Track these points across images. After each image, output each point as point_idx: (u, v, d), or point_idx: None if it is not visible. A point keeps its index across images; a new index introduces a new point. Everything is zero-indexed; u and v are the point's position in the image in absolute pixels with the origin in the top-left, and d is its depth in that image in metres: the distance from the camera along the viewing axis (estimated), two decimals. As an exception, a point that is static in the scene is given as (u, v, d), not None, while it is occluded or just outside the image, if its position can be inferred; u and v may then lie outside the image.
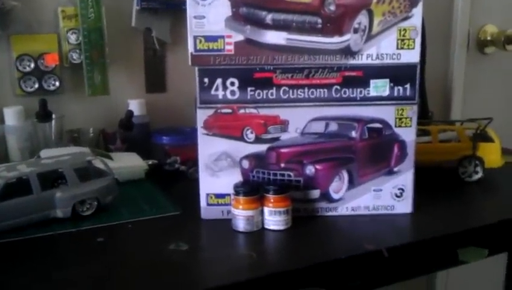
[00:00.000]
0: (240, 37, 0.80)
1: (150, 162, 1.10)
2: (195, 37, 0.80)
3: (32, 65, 1.13)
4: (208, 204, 0.86)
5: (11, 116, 1.08)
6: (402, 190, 0.87)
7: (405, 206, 0.88)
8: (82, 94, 1.17)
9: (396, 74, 0.83)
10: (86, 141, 1.15)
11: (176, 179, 1.08)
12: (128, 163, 1.06)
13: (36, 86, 1.14)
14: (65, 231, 0.82)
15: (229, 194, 0.85)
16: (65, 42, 1.15)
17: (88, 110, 1.20)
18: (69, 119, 1.15)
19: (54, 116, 1.10)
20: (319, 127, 0.84)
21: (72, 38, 1.15)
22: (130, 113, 1.16)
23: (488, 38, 1.67)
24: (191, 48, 0.80)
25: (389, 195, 0.87)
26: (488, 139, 1.07)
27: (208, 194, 0.86)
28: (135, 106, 1.20)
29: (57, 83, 1.15)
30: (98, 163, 0.93)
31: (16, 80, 1.13)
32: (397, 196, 0.88)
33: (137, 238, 0.81)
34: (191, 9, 0.79)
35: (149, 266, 0.71)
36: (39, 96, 1.10)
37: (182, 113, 1.26)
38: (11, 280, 0.67)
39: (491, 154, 1.05)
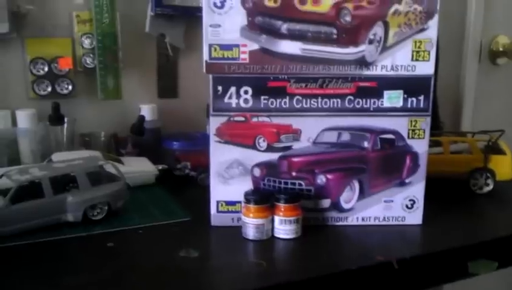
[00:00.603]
0: (255, 46, 0.81)
1: (160, 167, 1.10)
2: (210, 45, 0.80)
3: (46, 68, 1.14)
4: (218, 211, 0.86)
5: (24, 119, 1.09)
6: (413, 201, 0.87)
7: (416, 217, 0.88)
8: (94, 98, 1.17)
9: (411, 85, 0.83)
10: (98, 145, 1.16)
11: (186, 184, 1.08)
12: (139, 168, 1.07)
13: (49, 89, 1.15)
14: (76, 235, 0.82)
15: (239, 202, 0.85)
16: (79, 46, 1.16)
17: (100, 114, 1.20)
18: (81, 123, 1.16)
19: (66, 119, 1.11)
20: (332, 136, 0.84)
21: (86, 42, 1.15)
22: (142, 118, 1.16)
23: (501, 49, 1.67)
24: (205, 56, 0.81)
25: (399, 206, 0.87)
26: (499, 151, 1.07)
27: (218, 201, 0.86)
28: (147, 111, 1.21)
29: (70, 87, 1.16)
30: (109, 167, 0.93)
31: (29, 83, 1.14)
32: (408, 207, 0.87)
33: (148, 243, 0.81)
34: (207, 18, 0.80)
35: (159, 273, 0.71)
36: (52, 100, 1.11)
37: (193, 119, 1.26)
38: (20, 284, 0.68)
39: (503, 167, 1.05)
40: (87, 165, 0.89)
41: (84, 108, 1.19)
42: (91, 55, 1.16)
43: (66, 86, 1.16)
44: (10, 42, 1.11)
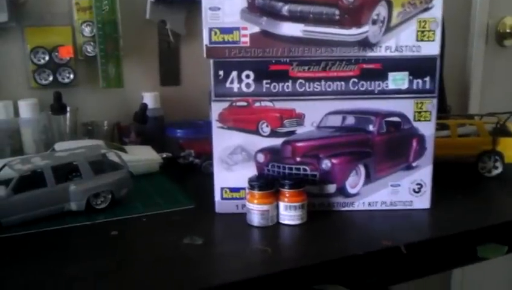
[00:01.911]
0: (255, 29, 0.79)
1: (164, 155, 1.09)
2: (210, 29, 0.79)
3: (47, 58, 1.13)
4: (223, 198, 0.85)
5: (26, 109, 1.08)
6: (420, 185, 0.86)
7: (423, 201, 0.86)
8: (96, 87, 1.16)
9: (416, 66, 0.81)
10: (101, 133, 1.15)
11: (190, 172, 1.07)
12: (142, 156, 1.06)
13: (51, 78, 1.14)
14: (79, 224, 0.81)
15: (243, 188, 0.84)
16: (79, 35, 1.14)
17: (102, 103, 1.19)
18: (83, 112, 1.15)
19: (68, 109, 1.10)
20: (336, 120, 0.83)
21: (87, 30, 1.14)
22: (144, 106, 1.15)
23: (508, 30, 1.64)
24: (206, 40, 0.79)
25: (407, 190, 0.86)
26: (508, 133, 1.05)
27: (222, 188, 0.85)
28: (149, 98, 1.19)
29: (72, 76, 1.15)
30: (112, 156, 0.92)
31: (30, 72, 1.13)
32: (415, 192, 0.86)
33: (152, 231, 0.80)
34: (206, 1, 0.78)
35: (164, 260, 0.70)
36: (53, 89, 1.10)
37: (196, 106, 1.25)
38: (22, 274, 0.67)
39: (511, 149, 1.03)
40: (90, 154, 0.88)
41: (86, 97, 1.18)
42: (92, 44, 1.14)
43: (68, 75, 1.15)
44: (9, 32, 1.10)
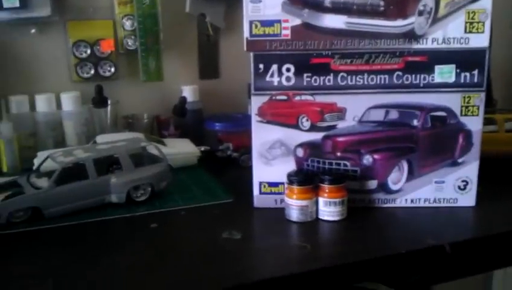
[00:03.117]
0: (297, 21, 0.78)
1: (203, 148, 1.09)
2: (251, 22, 0.78)
3: (89, 51, 1.14)
4: (261, 192, 0.84)
5: (68, 101, 1.10)
6: (466, 182, 0.83)
7: (468, 199, 0.83)
8: (137, 80, 1.17)
9: (464, 59, 0.78)
10: (140, 126, 1.16)
11: (228, 166, 1.07)
12: (181, 149, 1.06)
13: (92, 72, 1.15)
14: (119, 216, 0.82)
15: (282, 183, 0.83)
16: (120, 28, 1.15)
17: (142, 96, 1.20)
18: (123, 105, 1.16)
19: (109, 101, 1.11)
20: (379, 115, 0.81)
21: (128, 24, 1.15)
22: (183, 100, 1.15)
23: (559, 21, 1.56)
24: (246, 33, 0.78)
25: (451, 187, 0.83)
26: (559, 129, 1.00)
27: (261, 183, 0.84)
28: (188, 92, 1.20)
29: (113, 69, 1.16)
30: (152, 149, 0.93)
31: (72, 66, 1.15)
32: (460, 189, 0.83)
33: (191, 225, 0.80)
34: (247, -7, 0.77)
35: (203, 254, 0.70)
36: (95, 82, 1.12)
37: (234, 100, 1.24)
38: (64, 265, 0.68)
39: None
40: (130, 146, 0.89)
41: (126, 90, 1.19)
42: (132, 37, 1.15)
43: (109, 68, 1.16)
44: (52, 25, 1.12)
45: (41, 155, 1.00)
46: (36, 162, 0.98)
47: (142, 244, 0.74)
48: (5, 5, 1.05)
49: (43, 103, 1.09)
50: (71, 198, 0.81)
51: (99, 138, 1.02)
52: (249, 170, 0.85)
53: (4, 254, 0.72)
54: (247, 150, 1.05)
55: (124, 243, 0.75)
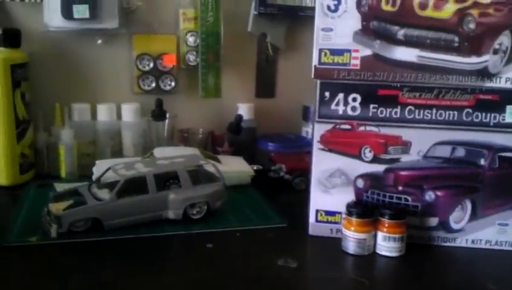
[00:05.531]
0: (367, 52, 0.77)
1: (255, 167, 1.09)
2: (320, 50, 0.78)
3: (151, 64, 1.17)
4: (317, 220, 0.83)
5: (129, 112, 1.12)
6: (531, 226, 0.80)
7: (533, 244, 0.80)
8: (195, 95, 1.19)
9: (538, 100, 0.76)
10: (195, 141, 1.17)
11: (280, 187, 1.07)
12: (235, 168, 1.06)
13: (153, 84, 1.18)
14: (176, 232, 0.83)
15: (340, 213, 0.82)
16: (183, 44, 1.17)
17: (199, 111, 1.22)
18: (180, 119, 1.18)
19: (167, 115, 1.13)
20: (445, 151, 0.79)
21: (191, 40, 1.17)
22: (239, 118, 1.16)
23: None
24: (315, 61, 0.78)
25: (515, 231, 0.80)
26: None
27: (317, 211, 0.83)
28: (244, 109, 1.21)
29: (173, 83, 1.18)
30: (209, 167, 0.93)
31: (135, 78, 1.17)
32: (525, 233, 0.80)
33: (246, 248, 0.80)
34: (319, 21, 0.77)
35: (258, 280, 0.70)
36: (155, 95, 1.14)
37: (288, 120, 1.25)
38: (116, 278, 0.69)
39: None
40: (189, 163, 0.90)
41: (184, 104, 1.20)
42: (194, 53, 1.17)
43: (169, 82, 1.18)
44: (118, 38, 1.15)
45: (99, 164, 1.02)
46: (95, 170, 1.00)
47: (199, 264, 0.74)
48: (76, 15, 1.08)
49: (104, 113, 1.12)
50: (131, 211, 0.82)
51: (157, 151, 1.04)
52: (302, 193, 0.85)
53: (61, 263, 0.73)
54: (300, 173, 1.05)
55: (181, 261, 0.75)
